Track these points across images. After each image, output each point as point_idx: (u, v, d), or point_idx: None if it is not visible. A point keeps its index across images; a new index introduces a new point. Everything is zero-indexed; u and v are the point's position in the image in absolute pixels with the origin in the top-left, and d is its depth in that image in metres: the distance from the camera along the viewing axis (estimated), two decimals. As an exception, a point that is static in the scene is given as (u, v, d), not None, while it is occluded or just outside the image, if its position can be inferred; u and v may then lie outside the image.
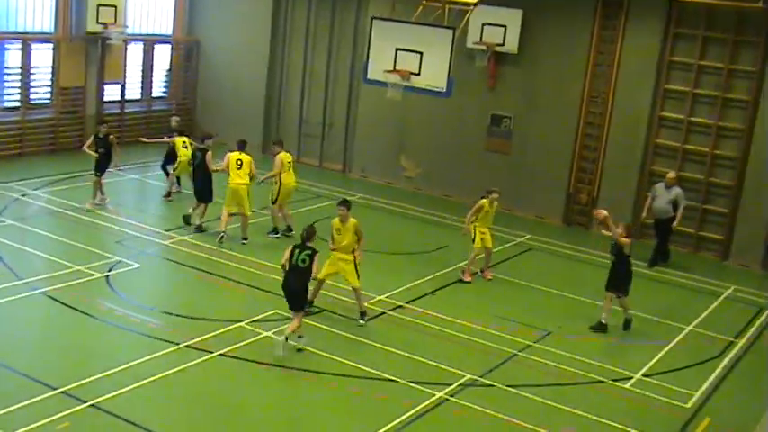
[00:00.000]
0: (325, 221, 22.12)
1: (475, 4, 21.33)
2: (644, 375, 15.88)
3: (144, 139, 25.62)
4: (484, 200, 20.01)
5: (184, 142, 23.75)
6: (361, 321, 16.87)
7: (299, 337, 15.41)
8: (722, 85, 23.39)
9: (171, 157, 24.08)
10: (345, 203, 16.96)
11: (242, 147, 21.16)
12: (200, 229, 21.19)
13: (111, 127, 28.99)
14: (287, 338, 15.05)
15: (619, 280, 17.88)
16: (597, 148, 25.13)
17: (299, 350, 15.28)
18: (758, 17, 22.59)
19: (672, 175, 22.54)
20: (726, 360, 17.04)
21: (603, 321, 17.84)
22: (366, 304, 17.42)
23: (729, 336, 18.32)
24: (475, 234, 19.91)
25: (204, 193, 21.56)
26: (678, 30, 23.86)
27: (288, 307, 15.50)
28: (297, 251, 15.28)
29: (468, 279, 20.00)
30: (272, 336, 15.61)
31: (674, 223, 22.11)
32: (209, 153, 21.39)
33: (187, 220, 21.49)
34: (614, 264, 17.90)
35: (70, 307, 16.18)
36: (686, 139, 24.00)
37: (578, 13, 24.95)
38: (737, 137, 23.47)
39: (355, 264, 16.84)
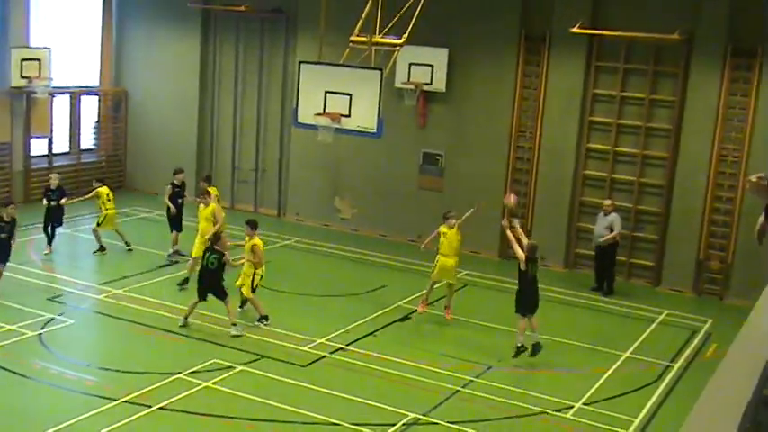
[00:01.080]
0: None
1: (401, 45, 21.50)
2: (584, 404, 16.02)
3: (65, 202, 23.83)
4: (442, 226, 20.11)
5: (108, 195, 23.51)
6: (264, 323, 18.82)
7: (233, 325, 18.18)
8: (645, 114, 23.84)
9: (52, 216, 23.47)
10: (249, 223, 19.30)
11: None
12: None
13: (39, 181, 28.93)
14: (234, 324, 18.14)
15: (522, 299, 17.93)
16: (528, 181, 25.40)
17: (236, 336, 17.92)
18: (675, 48, 23.11)
19: (608, 202, 22.98)
20: (663, 384, 17.26)
21: (519, 345, 17.87)
22: (307, 348, 17.51)
23: (665, 360, 18.56)
24: (436, 263, 20.08)
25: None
26: (599, 63, 24.30)
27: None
28: (207, 254, 18.26)
29: (421, 309, 20.11)
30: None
31: (602, 240, 22.50)
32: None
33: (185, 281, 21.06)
34: (518, 283, 18.00)
35: (2, 368, 15.88)
36: (613, 168, 24.38)
37: (503, 49, 25.29)
38: (662, 165, 23.90)
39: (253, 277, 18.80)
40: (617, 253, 23.01)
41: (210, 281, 18.19)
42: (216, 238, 18.53)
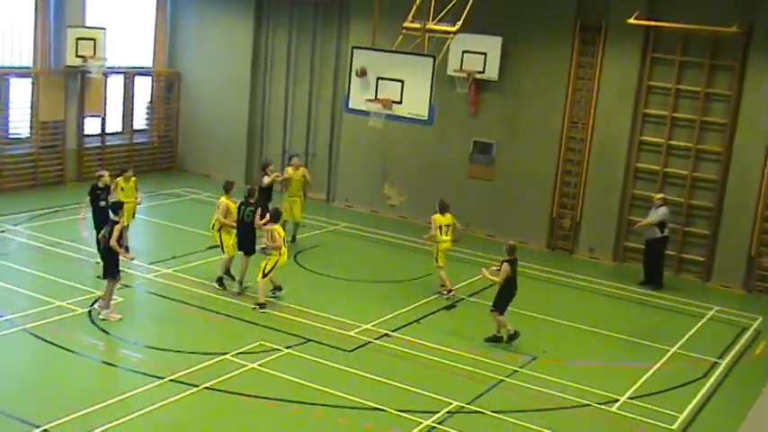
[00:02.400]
0: (309, 251, 22.22)
1: (455, 33, 21.39)
2: (629, 398, 15.90)
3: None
4: (436, 214, 20.63)
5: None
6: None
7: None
8: (700, 108, 23.57)
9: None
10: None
11: None
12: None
13: (92, 159, 29.23)
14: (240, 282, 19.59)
15: (508, 300, 17.99)
16: (579, 173, 25.24)
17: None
18: (733, 41, 22.81)
19: (658, 195, 22.82)
20: (710, 381, 17.10)
21: (499, 334, 18.01)
22: (353, 333, 17.67)
23: (713, 356, 18.37)
24: (438, 253, 20.60)
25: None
26: (655, 54, 24.04)
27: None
28: (242, 207, 19.57)
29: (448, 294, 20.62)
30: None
31: (644, 221, 22.55)
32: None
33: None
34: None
35: (52, 343, 16.07)
36: (666, 162, 24.14)
37: (557, 39, 25.11)
38: (716, 159, 23.62)
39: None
40: (666, 247, 22.78)
41: (246, 233, 19.63)
42: (252, 191, 20.11)
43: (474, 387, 15.80)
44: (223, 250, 19.78)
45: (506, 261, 17.79)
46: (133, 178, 21.53)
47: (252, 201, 19.84)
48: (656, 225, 22.36)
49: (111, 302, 17.53)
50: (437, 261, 20.68)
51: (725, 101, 23.37)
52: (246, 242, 19.81)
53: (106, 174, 20.61)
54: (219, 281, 19.73)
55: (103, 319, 17.14)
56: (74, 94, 28.40)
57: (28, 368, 15.51)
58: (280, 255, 18.75)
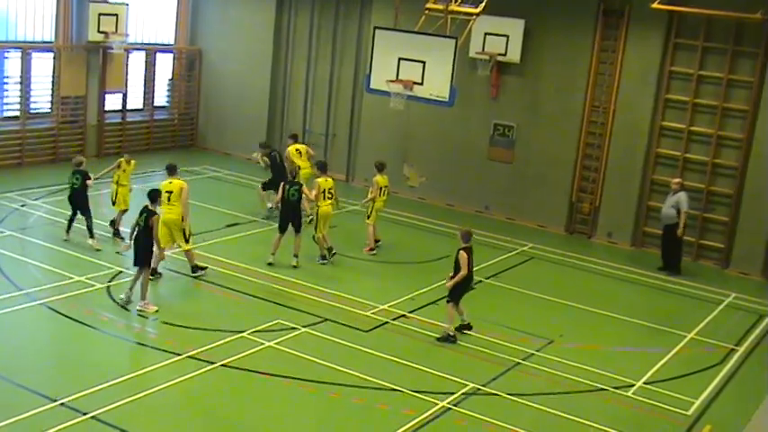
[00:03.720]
0: (327, 231, 22.20)
1: (477, 14, 21.36)
2: (645, 383, 15.90)
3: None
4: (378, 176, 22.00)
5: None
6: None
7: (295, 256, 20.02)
8: (721, 94, 23.45)
9: None
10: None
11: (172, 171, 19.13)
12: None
13: (112, 135, 29.34)
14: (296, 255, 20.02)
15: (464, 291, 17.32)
16: (599, 157, 25.17)
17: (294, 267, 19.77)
18: (756, 28, 22.67)
19: (675, 180, 22.74)
20: (727, 368, 17.06)
21: (451, 331, 17.12)
22: (370, 314, 17.75)
23: (730, 343, 18.34)
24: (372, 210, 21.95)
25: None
26: (678, 40, 23.92)
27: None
28: (287, 187, 20.01)
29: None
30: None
31: (678, 231, 22.18)
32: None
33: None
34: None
35: (70, 318, 16.18)
36: (687, 148, 24.05)
37: (580, 23, 25.01)
38: (737, 146, 23.51)
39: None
40: (684, 233, 22.71)
41: (292, 212, 20.07)
42: (294, 172, 20.98)
43: (490, 369, 15.82)
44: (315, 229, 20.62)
45: (463, 249, 16.97)
46: (133, 161, 21.36)
47: (296, 180, 20.66)
48: (674, 209, 22.28)
49: (147, 293, 17.16)
50: (368, 218, 22.05)
51: (747, 87, 23.24)
52: (294, 220, 20.22)
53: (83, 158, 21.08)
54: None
55: (141, 311, 16.77)
56: (95, 69, 28.48)
57: (46, 343, 15.66)
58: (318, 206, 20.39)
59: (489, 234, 24.26)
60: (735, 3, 22.57)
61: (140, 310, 16.79)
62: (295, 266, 19.87)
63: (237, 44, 31.11)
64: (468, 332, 17.36)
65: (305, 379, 14.68)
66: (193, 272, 18.99)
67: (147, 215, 16.90)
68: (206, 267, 19.12)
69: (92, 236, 20.06)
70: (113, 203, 21.07)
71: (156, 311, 16.80)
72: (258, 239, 21.80)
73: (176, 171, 19.09)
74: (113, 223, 21.14)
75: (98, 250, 19.55)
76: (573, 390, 15.41)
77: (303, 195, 20.34)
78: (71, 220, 20.37)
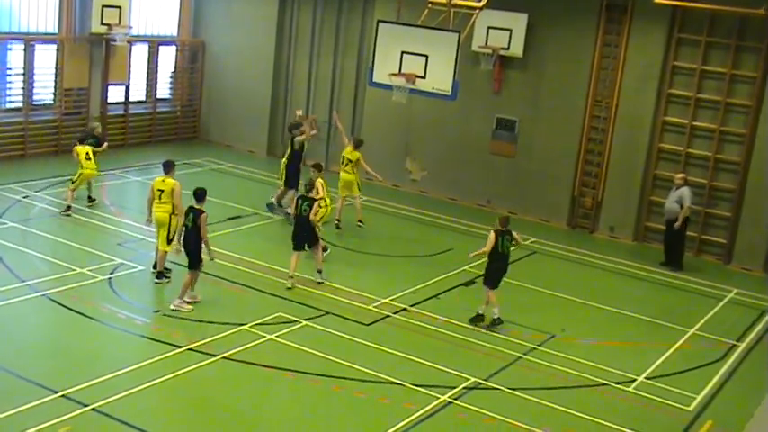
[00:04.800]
0: (328, 224, 22.21)
1: (480, 8, 21.34)
2: (647, 378, 15.90)
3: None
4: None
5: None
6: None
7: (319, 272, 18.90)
8: (724, 90, 23.43)
9: None
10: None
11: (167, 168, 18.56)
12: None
13: (115, 127, 29.34)
14: (320, 271, 18.90)
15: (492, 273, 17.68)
16: (602, 152, 25.16)
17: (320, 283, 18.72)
18: (760, 23, 22.62)
19: (679, 175, 22.71)
20: (728, 363, 17.07)
21: (481, 312, 17.63)
22: (371, 307, 17.77)
23: (731, 339, 18.34)
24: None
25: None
26: (681, 35, 23.89)
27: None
28: (299, 201, 18.69)
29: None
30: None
31: (676, 224, 22.20)
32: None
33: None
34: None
35: (72, 310, 16.20)
36: (689, 143, 24.03)
37: (583, 17, 24.98)
38: (740, 141, 23.49)
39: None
40: (687, 228, 22.69)
41: (304, 228, 18.63)
42: (311, 185, 19.08)
43: (491, 363, 15.83)
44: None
45: (495, 231, 17.43)
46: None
47: (310, 195, 18.91)
48: (678, 204, 22.28)
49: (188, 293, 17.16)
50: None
51: (750, 83, 23.22)
52: (308, 237, 18.78)
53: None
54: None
55: (175, 309, 16.69)
56: (98, 61, 28.46)
57: (48, 334, 15.66)
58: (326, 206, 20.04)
59: (491, 228, 24.21)
60: (739, -2, 22.56)
61: (174, 309, 16.68)
62: (320, 282, 18.90)
63: (240, 37, 31.08)
64: (478, 324, 17.49)
65: (306, 372, 14.68)
66: (157, 277, 18.14)
67: (195, 214, 16.84)
68: (169, 278, 18.24)
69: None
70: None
71: (192, 311, 16.77)
72: (259, 232, 21.82)
73: (172, 169, 18.36)
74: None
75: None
76: (574, 384, 15.41)
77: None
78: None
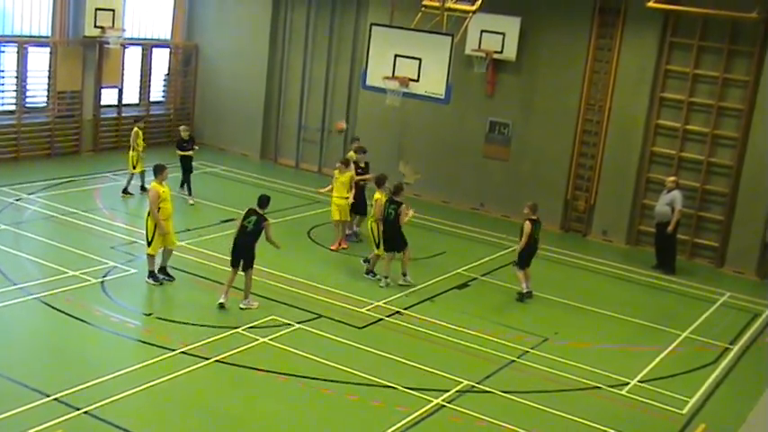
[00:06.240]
0: (323, 227, 22.23)
1: (473, 12, 21.37)
2: (640, 381, 15.91)
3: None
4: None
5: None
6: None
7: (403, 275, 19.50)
8: (717, 93, 23.46)
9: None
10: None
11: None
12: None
13: (108, 130, 29.34)
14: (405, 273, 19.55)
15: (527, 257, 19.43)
16: (594, 155, 25.19)
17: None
18: (752, 27, 22.68)
19: (671, 179, 22.76)
20: (721, 366, 17.08)
21: (526, 291, 19.46)
22: (365, 310, 17.82)
23: (725, 342, 18.35)
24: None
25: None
26: (674, 39, 23.92)
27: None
28: (387, 204, 19.21)
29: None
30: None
31: (669, 228, 22.24)
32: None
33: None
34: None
35: (65, 313, 16.16)
36: (682, 146, 24.06)
37: (576, 21, 25.01)
38: (732, 145, 23.53)
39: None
40: (678, 231, 22.70)
41: (392, 230, 19.23)
42: (398, 189, 19.47)
43: (485, 367, 15.83)
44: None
45: (529, 220, 19.03)
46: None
47: (397, 198, 19.35)
48: (669, 207, 22.32)
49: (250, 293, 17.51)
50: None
51: (742, 86, 23.26)
52: (397, 239, 19.42)
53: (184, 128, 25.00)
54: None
55: (244, 308, 17.14)
56: (91, 64, 28.45)
57: (40, 337, 15.61)
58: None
59: (484, 231, 24.32)
60: (731, 2, 22.55)
61: (243, 309, 17.17)
62: (404, 284, 19.40)
63: (234, 40, 31.09)
64: (528, 299, 19.26)
65: (299, 375, 14.68)
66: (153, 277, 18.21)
67: (258, 219, 17.14)
68: (160, 282, 18.23)
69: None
70: (134, 168, 24.11)
71: (258, 306, 17.31)
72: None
73: (159, 173, 18.09)
74: (140, 188, 24.45)
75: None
76: (568, 388, 15.42)
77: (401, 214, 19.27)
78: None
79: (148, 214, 17.87)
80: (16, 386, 13.30)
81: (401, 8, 22.31)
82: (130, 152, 24.17)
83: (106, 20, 27.54)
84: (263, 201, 17.39)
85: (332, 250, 21.31)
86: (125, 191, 24.29)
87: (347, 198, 21.37)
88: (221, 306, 16.98)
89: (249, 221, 17.15)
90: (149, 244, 17.90)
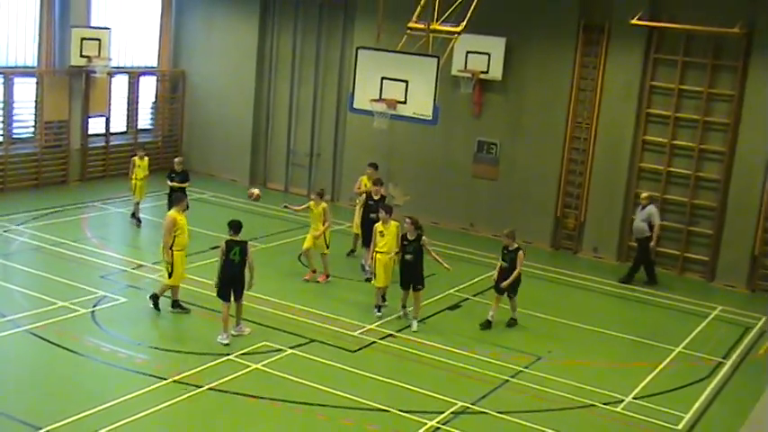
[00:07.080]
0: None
1: (459, 33, 21.41)
2: (634, 398, 15.90)
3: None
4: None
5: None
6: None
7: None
8: (702, 108, 23.56)
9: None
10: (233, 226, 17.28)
11: None
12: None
13: (96, 159, 29.28)
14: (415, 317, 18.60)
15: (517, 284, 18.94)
16: (583, 172, 25.24)
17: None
18: (735, 42, 22.82)
19: (644, 194, 22.91)
20: (715, 381, 17.09)
21: (490, 319, 18.90)
22: (357, 333, 17.77)
23: (718, 356, 18.36)
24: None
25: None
26: (658, 55, 24.04)
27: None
28: (405, 243, 18.57)
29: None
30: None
31: (651, 243, 22.33)
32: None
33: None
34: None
35: (55, 344, 16.06)
36: (670, 161, 24.14)
37: (561, 39, 25.10)
38: (719, 159, 23.61)
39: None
40: (653, 243, 22.70)
41: (412, 269, 18.52)
42: (416, 225, 18.87)
43: (479, 387, 15.79)
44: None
45: (520, 249, 18.67)
46: (146, 158, 24.73)
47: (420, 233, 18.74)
48: (646, 223, 22.41)
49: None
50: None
51: (728, 101, 23.37)
52: (415, 276, 18.63)
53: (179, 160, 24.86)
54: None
55: (235, 335, 17.03)
56: (78, 93, 28.43)
57: (30, 369, 15.52)
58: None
59: (475, 251, 24.29)
60: (714, 17, 22.70)
61: (235, 335, 17.04)
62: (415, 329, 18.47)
63: (221, 66, 31.11)
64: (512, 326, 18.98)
65: (293, 401, 14.62)
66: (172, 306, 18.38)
67: (241, 248, 16.86)
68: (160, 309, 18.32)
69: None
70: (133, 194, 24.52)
71: (250, 332, 17.28)
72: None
73: (178, 203, 18.67)
74: (134, 215, 24.48)
75: None
76: (562, 406, 15.39)
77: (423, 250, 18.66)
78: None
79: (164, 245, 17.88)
80: (6, 419, 13.20)
81: (387, 31, 22.33)
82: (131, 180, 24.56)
83: (92, 49, 27.56)
84: (236, 227, 17.06)
85: (318, 282, 21.03)
86: (133, 215, 24.62)
87: (319, 231, 20.89)
88: (227, 345, 16.75)
89: (234, 253, 16.82)
90: (170, 275, 17.86)
